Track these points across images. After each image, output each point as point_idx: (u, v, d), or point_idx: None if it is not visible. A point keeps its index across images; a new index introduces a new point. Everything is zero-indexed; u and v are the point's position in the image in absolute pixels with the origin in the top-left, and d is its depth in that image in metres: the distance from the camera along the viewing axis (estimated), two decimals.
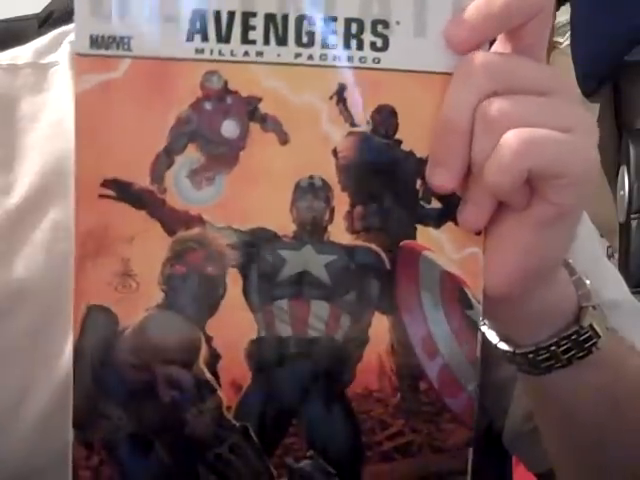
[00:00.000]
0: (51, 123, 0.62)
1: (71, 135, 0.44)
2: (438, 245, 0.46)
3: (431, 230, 0.46)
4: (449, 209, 0.46)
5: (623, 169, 1.53)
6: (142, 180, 0.45)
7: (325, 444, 0.47)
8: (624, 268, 1.47)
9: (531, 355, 0.51)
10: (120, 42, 0.44)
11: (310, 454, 0.47)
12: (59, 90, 0.64)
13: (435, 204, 0.46)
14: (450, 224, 0.46)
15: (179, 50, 0.44)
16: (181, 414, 0.47)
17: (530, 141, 0.42)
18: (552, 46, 1.69)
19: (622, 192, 1.54)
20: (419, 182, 0.45)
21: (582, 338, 0.50)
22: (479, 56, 0.43)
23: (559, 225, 0.45)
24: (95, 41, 0.44)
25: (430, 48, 0.44)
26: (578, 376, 0.52)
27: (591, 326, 0.51)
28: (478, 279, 0.46)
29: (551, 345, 0.50)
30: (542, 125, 0.43)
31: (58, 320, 0.60)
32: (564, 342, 0.50)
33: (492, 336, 0.52)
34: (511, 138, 0.42)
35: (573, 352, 0.51)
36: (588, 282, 0.52)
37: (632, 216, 1.50)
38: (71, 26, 0.66)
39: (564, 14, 1.68)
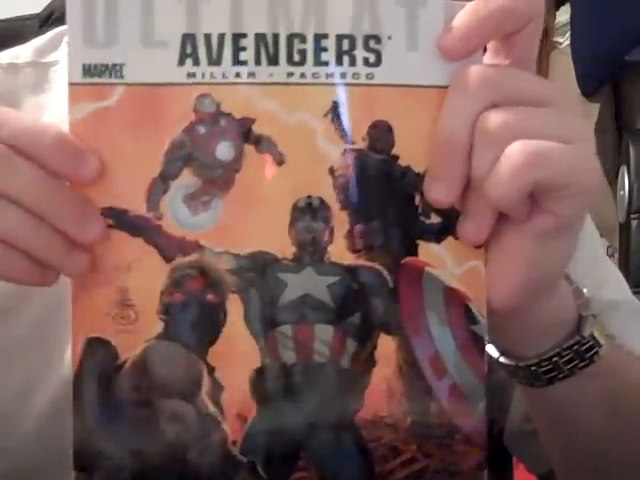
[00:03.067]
0: (53, 122, 0.62)
1: None
2: (440, 260, 0.45)
3: (432, 245, 0.45)
4: (449, 223, 0.45)
5: (623, 169, 1.54)
6: (138, 207, 0.44)
7: (337, 476, 0.45)
8: (624, 268, 1.46)
9: (533, 367, 0.50)
10: (112, 69, 0.44)
11: None
12: (60, 89, 0.63)
13: (435, 219, 0.45)
14: (451, 239, 0.45)
15: (171, 75, 0.44)
16: (185, 451, 0.45)
17: (536, 153, 0.42)
18: (552, 46, 1.70)
19: (622, 192, 1.53)
20: (418, 197, 0.45)
21: (584, 348, 0.50)
22: (476, 68, 0.43)
23: (562, 236, 0.45)
24: (88, 70, 0.43)
25: (423, 62, 0.44)
26: (579, 386, 0.51)
27: (592, 335, 0.50)
28: (481, 293, 0.45)
29: (553, 356, 0.50)
30: (544, 136, 0.43)
31: (61, 318, 0.58)
32: (566, 353, 0.50)
33: (493, 350, 0.51)
34: (516, 150, 0.42)
35: (575, 362, 0.50)
36: (586, 291, 0.52)
37: (632, 216, 1.50)
38: None
39: (564, 14, 1.69)
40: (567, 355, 0.50)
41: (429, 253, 0.45)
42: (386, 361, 0.45)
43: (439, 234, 0.45)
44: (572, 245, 0.46)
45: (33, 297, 0.49)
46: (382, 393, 0.45)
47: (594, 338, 0.50)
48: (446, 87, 0.44)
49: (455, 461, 0.46)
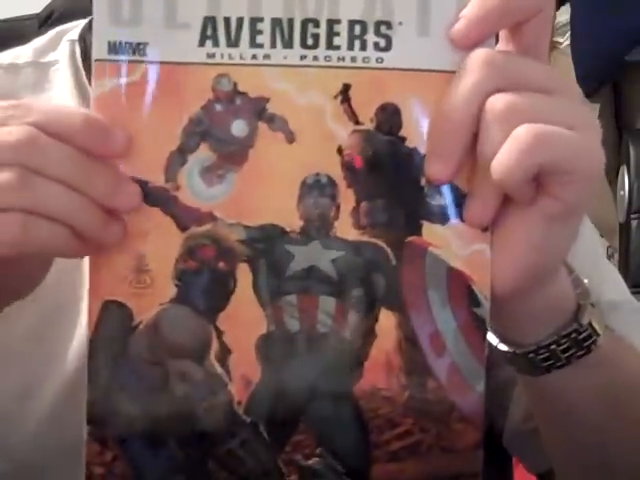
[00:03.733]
0: None
1: None
2: (444, 241, 0.46)
3: (437, 227, 0.46)
4: (455, 205, 0.46)
5: (623, 169, 1.50)
6: (156, 178, 0.47)
7: (334, 442, 0.47)
8: (624, 268, 1.44)
9: (531, 355, 0.50)
10: (136, 48, 0.46)
11: (319, 452, 0.47)
12: (60, 89, 0.66)
13: (441, 201, 0.46)
14: (456, 221, 0.46)
15: (191, 55, 0.46)
16: (193, 409, 0.47)
17: (542, 136, 0.43)
18: (552, 46, 1.67)
19: (622, 192, 1.51)
20: (424, 179, 0.46)
21: (581, 337, 0.50)
22: (483, 53, 0.44)
23: (565, 221, 0.45)
24: (112, 47, 0.46)
25: (433, 47, 0.45)
26: (577, 376, 0.51)
27: (590, 324, 0.51)
28: (485, 276, 0.46)
29: (551, 344, 0.50)
30: (551, 121, 0.43)
31: (62, 318, 0.61)
32: (564, 340, 0.50)
33: (492, 337, 0.51)
34: (523, 133, 0.43)
35: (572, 351, 0.50)
36: (586, 280, 0.52)
37: (632, 216, 1.47)
38: (69, 25, 0.68)
39: (564, 14, 1.67)
40: (565, 343, 0.50)
41: (433, 234, 0.46)
42: (386, 335, 0.47)
43: (445, 216, 0.46)
44: (574, 231, 0.46)
45: (34, 297, 0.52)
46: (381, 366, 0.47)
47: (592, 327, 0.51)
48: (454, 72, 0.45)
49: (451, 438, 0.47)
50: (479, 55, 0.44)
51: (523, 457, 0.68)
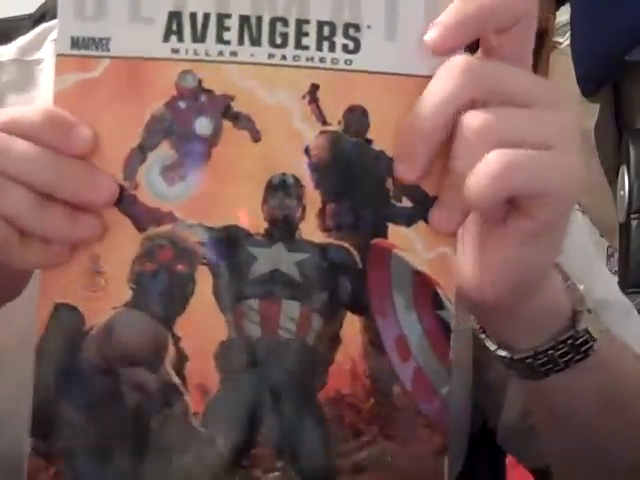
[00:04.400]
0: None
1: None
2: (409, 244, 0.46)
3: (402, 229, 0.46)
4: (420, 208, 0.46)
5: (623, 169, 1.52)
6: (114, 176, 0.45)
7: (295, 454, 0.45)
8: (624, 268, 1.45)
9: (529, 360, 0.51)
10: (99, 43, 0.45)
11: (280, 465, 0.45)
12: (45, 88, 0.64)
13: (406, 203, 0.46)
14: (421, 223, 0.46)
15: (155, 50, 0.45)
16: (146, 420, 0.45)
17: (514, 163, 0.42)
18: (552, 46, 1.70)
19: (622, 192, 1.52)
20: (390, 181, 0.46)
21: (578, 342, 0.51)
22: (461, 60, 0.44)
23: (543, 240, 0.45)
24: (76, 42, 0.45)
25: (401, 51, 0.46)
26: (575, 379, 0.52)
27: (586, 330, 0.51)
28: (450, 279, 0.46)
29: (548, 349, 0.50)
30: (526, 142, 0.43)
31: None
32: (561, 346, 0.50)
33: (490, 343, 0.52)
34: (494, 160, 0.42)
35: (570, 356, 0.51)
36: (582, 287, 0.52)
37: (632, 216, 1.49)
38: (53, 22, 0.67)
39: (564, 14, 1.69)
40: (562, 348, 0.50)
41: (399, 236, 0.46)
42: (351, 340, 0.46)
43: (410, 218, 0.46)
44: (555, 248, 0.46)
45: (31, 295, 0.49)
46: (346, 372, 0.46)
47: (588, 333, 0.51)
48: (423, 77, 0.45)
49: (416, 445, 0.46)
50: (457, 62, 0.44)
51: (519, 454, 0.68)
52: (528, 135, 0.43)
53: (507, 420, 0.67)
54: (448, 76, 0.44)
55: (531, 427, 0.60)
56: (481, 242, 0.46)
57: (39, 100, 0.64)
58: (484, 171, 0.43)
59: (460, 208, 0.45)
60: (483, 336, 0.52)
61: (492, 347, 0.52)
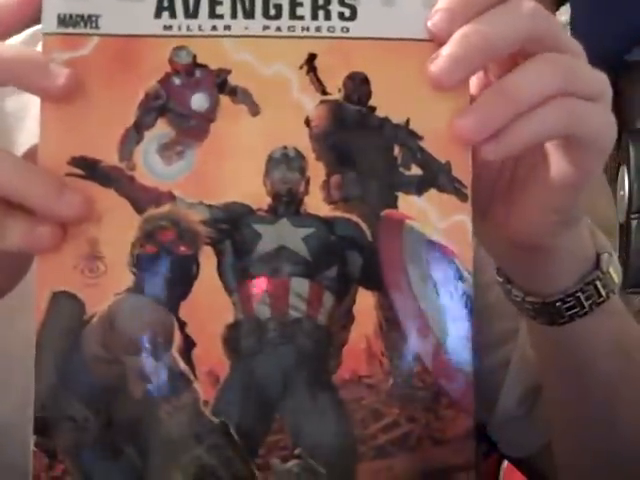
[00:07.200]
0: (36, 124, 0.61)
1: None
2: (422, 213, 0.44)
3: (413, 198, 0.44)
4: (431, 175, 0.44)
5: (623, 169, 1.54)
6: (110, 157, 0.43)
7: (313, 440, 0.43)
8: (624, 268, 1.43)
9: (558, 303, 0.52)
10: (88, 20, 0.44)
11: (298, 453, 0.43)
12: None
13: (415, 170, 0.44)
14: (433, 191, 0.44)
15: (147, 27, 0.44)
16: (154, 412, 0.42)
17: (572, 112, 0.44)
18: None
19: (622, 192, 1.54)
20: (397, 148, 0.44)
21: (602, 283, 0.53)
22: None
23: (583, 187, 0.47)
24: (63, 20, 0.44)
25: (398, 16, 0.44)
26: (594, 325, 0.53)
27: (609, 272, 0.53)
28: (467, 248, 0.44)
29: (577, 292, 0.52)
30: (583, 93, 0.45)
31: None
32: (587, 288, 0.52)
33: (517, 292, 0.53)
34: (556, 106, 0.44)
35: (594, 298, 0.52)
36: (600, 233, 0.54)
37: (632, 216, 1.51)
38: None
39: (564, 14, 1.70)
40: (588, 290, 0.52)
41: (410, 205, 0.44)
42: (365, 318, 0.43)
43: (420, 186, 0.44)
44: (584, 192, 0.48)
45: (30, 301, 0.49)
46: (361, 352, 0.43)
47: (610, 275, 0.53)
48: (422, 40, 0.44)
49: (440, 427, 0.43)
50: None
51: (508, 442, 0.69)
52: (586, 87, 0.45)
53: (504, 407, 0.67)
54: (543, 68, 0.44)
55: (527, 413, 0.63)
56: (527, 191, 0.48)
57: (36, 102, 0.63)
58: (544, 115, 0.43)
59: (496, 117, 0.43)
60: (509, 286, 0.53)
61: (519, 296, 0.53)
